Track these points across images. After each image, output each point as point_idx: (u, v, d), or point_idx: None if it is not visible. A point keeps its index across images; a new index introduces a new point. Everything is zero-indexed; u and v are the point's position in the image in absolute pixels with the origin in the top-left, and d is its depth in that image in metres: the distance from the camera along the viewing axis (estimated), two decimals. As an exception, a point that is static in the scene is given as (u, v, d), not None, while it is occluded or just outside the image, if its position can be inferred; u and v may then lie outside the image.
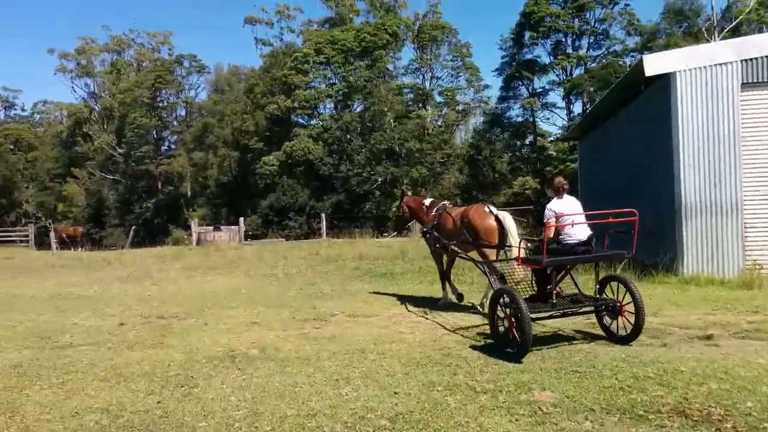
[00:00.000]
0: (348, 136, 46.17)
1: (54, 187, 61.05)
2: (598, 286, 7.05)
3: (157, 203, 58.35)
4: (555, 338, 7.09)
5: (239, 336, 7.84)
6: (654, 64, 11.00)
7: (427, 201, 10.45)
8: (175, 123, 62.35)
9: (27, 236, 33.79)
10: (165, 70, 57.32)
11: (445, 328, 7.84)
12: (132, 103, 55.29)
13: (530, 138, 48.49)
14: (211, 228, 29.34)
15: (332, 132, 45.70)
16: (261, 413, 5.00)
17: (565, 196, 7.17)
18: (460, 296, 9.59)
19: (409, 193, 12.16)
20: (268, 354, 6.88)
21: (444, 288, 9.84)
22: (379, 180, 44.16)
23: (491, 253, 8.48)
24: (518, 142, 49.31)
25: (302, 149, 45.13)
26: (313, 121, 49.89)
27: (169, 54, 62.98)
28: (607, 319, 7.00)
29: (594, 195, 18.47)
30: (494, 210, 8.72)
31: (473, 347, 6.77)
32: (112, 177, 58.30)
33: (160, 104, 58.83)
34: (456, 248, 8.82)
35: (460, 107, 51.00)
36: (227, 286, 12.56)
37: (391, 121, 45.65)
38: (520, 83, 47.51)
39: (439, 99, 51.11)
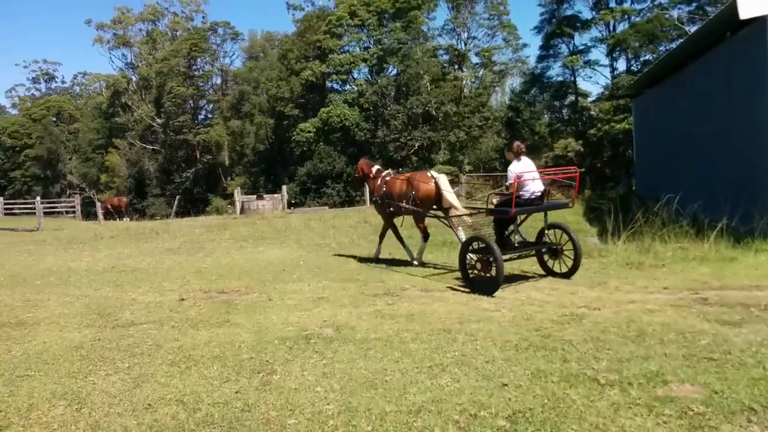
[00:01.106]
0: (384, 101, 45.22)
1: (96, 158, 61.75)
2: (543, 230, 8.75)
3: (196, 172, 58.59)
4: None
5: (308, 313, 7.31)
6: (749, 5, 9.88)
7: (374, 169, 11.48)
8: (211, 92, 62.13)
9: (73, 207, 34.01)
10: (200, 38, 56.87)
11: (534, 305, 7.15)
12: (168, 73, 55.12)
13: (571, 98, 46.77)
14: (254, 197, 29.00)
15: (368, 97, 44.79)
16: (355, 408, 4.43)
17: (523, 158, 8.50)
18: (413, 259, 10.57)
19: (367, 158, 13.00)
20: (344, 335, 6.32)
21: (382, 238, 11.34)
22: (416, 145, 43.26)
23: (423, 214, 10.01)
24: (558, 103, 47.68)
25: (338, 115, 44.37)
26: (348, 87, 49.01)
27: (203, 22, 62.49)
28: (551, 266, 8.80)
29: (659, 153, 17.37)
30: (435, 174, 9.99)
31: (572, 327, 6.09)
32: (151, 147, 58.61)
33: (196, 73, 58.57)
34: (410, 206, 10.05)
35: (497, 68, 49.39)
36: (283, 257, 12.07)
37: (427, 84, 44.49)
38: (560, 41, 45.68)
39: (475, 60, 49.65)
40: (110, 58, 71.61)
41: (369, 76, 48.07)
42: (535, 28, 47.08)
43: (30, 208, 32.60)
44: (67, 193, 60.43)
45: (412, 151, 43.40)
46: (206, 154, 59.54)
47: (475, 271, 7.93)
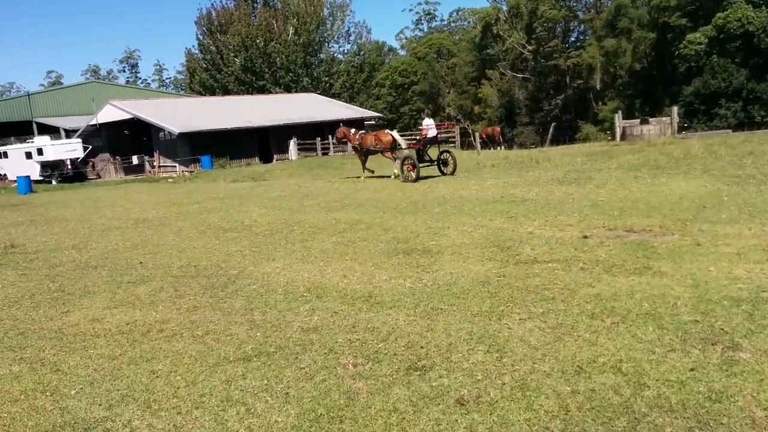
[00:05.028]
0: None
1: (470, 90, 64.93)
2: (439, 154, 17.59)
3: (565, 98, 56.98)
4: None
5: (761, 267, 5.63)
6: None
7: (352, 131, 19.52)
8: (582, 12, 58.84)
9: (453, 137, 36.23)
10: (573, -47, 53.73)
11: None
12: (540, -4, 53.80)
13: None
14: (637, 121, 26.34)
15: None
16: None
17: (427, 118, 18.27)
18: (372, 171, 19.09)
19: (342, 125, 21.84)
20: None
21: (363, 171, 19.11)
22: None
23: (389, 154, 18.22)
24: None
25: (738, 20, 37.16)
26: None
27: (577, -65, 58.69)
28: (442, 168, 17.32)
29: None
30: (391, 131, 18.53)
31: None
32: (521, 76, 58.85)
33: (568, -8, 55.93)
34: (376, 147, 18.26)
35: None
36: (695, 190, 10.16)
37: None
38: None
39: None
40: (482, -10, 73.18)
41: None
42: None
43: (415, 140, 35.88)
44: (445, 124, 65.31)
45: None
46: (576, 79, 57.21)
47: (407, 172, 16.51)
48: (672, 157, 14.91)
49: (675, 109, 27.21)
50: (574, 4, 57.50)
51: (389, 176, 17.80)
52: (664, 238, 7.07)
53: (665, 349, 4.16)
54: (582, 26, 59.73)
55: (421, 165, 16.56)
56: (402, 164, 16.73)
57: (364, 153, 18.82)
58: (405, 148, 17.87)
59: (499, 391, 3.80)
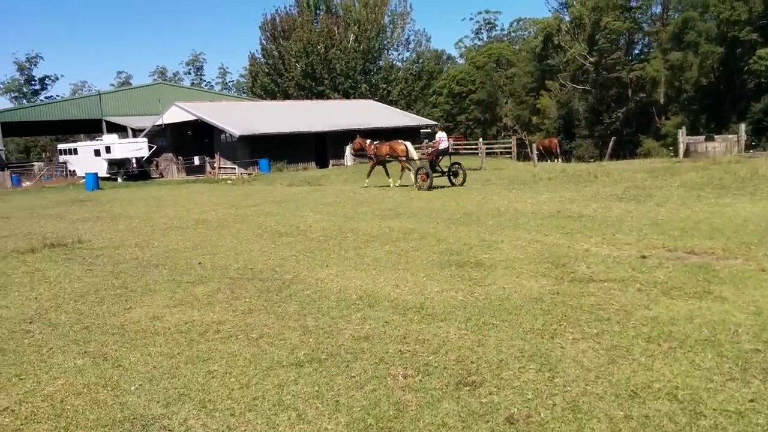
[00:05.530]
0: None
1: (528, 101, 64.16)
2: (450, 166, 18.61)
3: (627, 112, 55.62)
4: None
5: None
6: None
7: (367, 141, 20.80)
8: (647, 24, 57.38)
9: (509, 148, 35.90)
10: (640, -36, 52.52)
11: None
12: (604, 7, 52.72)
13: None
14: (702, 138, 25.48)
15: None
16: None
17: (439, 131, 20.17)
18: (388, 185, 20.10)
19: (359, 136, 22.20)
20: None
21: (369, 175, 20.94)
22: None
23: (403, 161, 19.53)
24: None
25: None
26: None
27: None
28: (452, 179, 18.36)
29: None
30: (404, 142, 19.77)
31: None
32: (581, 87, 57.78)
33: (634, 4, 54.63)
34: (390, 157, 19.70)
35: None
36: (760, 213, 9.74)
37: None
38: None
39: None
40: (546, 0, 72.28)
41: None
42: None
43: (472, 149, 35.73)
44: (502, 134, 64.76)
45: None
46: (639, 92, 55.75)
47: (420, 181, 17.84)
48: (738, 176, 14.38)
49: (743, 126, 26.18)
50: (640, 16, 56.11)
51: (389, 185, 19.68)
52: (726, 262, 6.84)
53: (724, 378, 4.04)
54: (646, 39, 58.25)
55: (434, 175, 17.81)
56: (416, 173, 18.17)
57: (378, 162, 20.20)
58: (416, 159, 19.81)
59: (550, 411, 3.77)
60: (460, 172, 18.43)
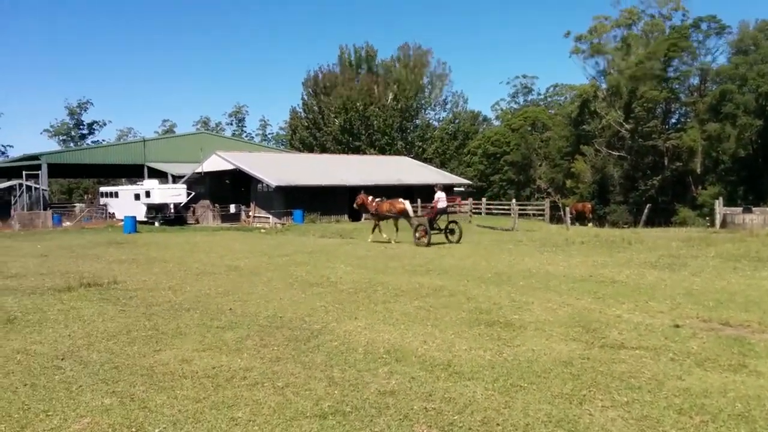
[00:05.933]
0: None
1: (563, 164, 64.24)
2: (446, 224, 20.03)
3: (662, 180, 55.19)
4: None
5: None
6: None
7: (369, 198, 21.76)
8: (685, 94, 57.51)
9: (542, 210, 35.80)
10: (679, 36, 53.11)
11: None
12: (642, 77, 53.13)
13: None
14: (739, 209, 25.09)
15: None
16: None
17: (438, 191, 20.52)
18: (389, 240, 20.55)
19: (362, 193, 22.91)
20: None
21: (374, 231, 21.51)
22: None
23: (402, 218, 20.85)
24: None
25: None
26: None
27: (683, 19, 58.11)
28: (449, 236, 19.77)
29: None
30: (404, 201, 20.82)
31: None
32: (617, 153, 57.75)
33: (671, 74, 54.93)
34: (390, 214, 20.75)
35: None
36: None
37: None
38: None
39: None
40: (584, 67, 73.24)
41: None
42: None
43: (505, 209, 35.75)
44: (535, 196, 64.71)
45: None
46: (675, 161, 55.43)
47: (419, 238, 18.99)
48: (777, 249, 14.07)
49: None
50: (677, 87, 56.34)
51: (389, 241, 20.39)
52: (762, 336, 6.67)
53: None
54: (683, 108, 58.28)
55: (432, 232, 19.12)
56: (415, 230, 19.45)
57: (379, 218, 21.29)
58: (413, 217, 21.25)
59: (576, 479, 3.69)
60: (456, 229, 19.86)
